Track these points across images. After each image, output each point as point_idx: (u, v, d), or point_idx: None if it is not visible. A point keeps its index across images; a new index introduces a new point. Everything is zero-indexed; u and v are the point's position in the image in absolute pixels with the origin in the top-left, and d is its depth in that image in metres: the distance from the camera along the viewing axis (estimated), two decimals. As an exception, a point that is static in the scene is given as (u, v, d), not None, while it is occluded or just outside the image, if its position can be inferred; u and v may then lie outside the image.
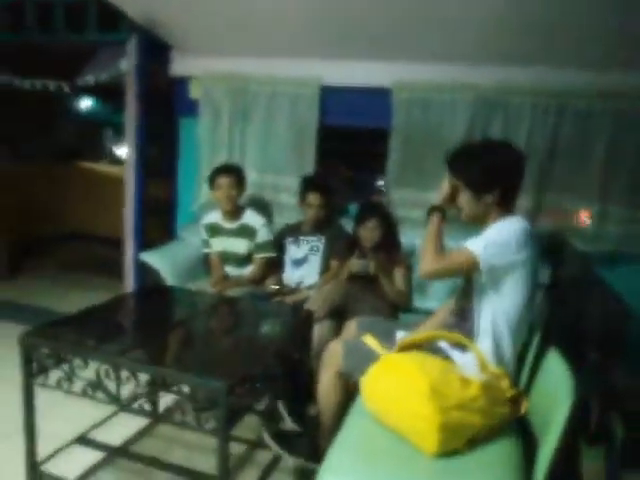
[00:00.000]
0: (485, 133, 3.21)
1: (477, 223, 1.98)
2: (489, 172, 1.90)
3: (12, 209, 5.12)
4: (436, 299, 3.08)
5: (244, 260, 3.32)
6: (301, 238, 3.36)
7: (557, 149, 3.18)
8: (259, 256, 3.28)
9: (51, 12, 4.12)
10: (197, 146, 3.82)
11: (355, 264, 2.99)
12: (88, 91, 6.01)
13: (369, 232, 3.05)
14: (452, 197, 2.04)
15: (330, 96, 3.51)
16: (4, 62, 4.47)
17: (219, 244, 3.35)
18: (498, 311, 1.89)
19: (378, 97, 3.38)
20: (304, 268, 3.31)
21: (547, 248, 3.01)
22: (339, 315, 2.78)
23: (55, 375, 1.96)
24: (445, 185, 2.06)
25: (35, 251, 5.68)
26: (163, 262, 3.18)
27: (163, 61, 3.81)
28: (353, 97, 3.47)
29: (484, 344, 1.89)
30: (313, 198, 3.25)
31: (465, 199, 1.97)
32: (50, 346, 1.96)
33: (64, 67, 4.29)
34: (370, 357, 1.85)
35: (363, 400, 1.82)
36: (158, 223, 4.14)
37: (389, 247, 3.06)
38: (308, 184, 3.30)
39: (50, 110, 6.48)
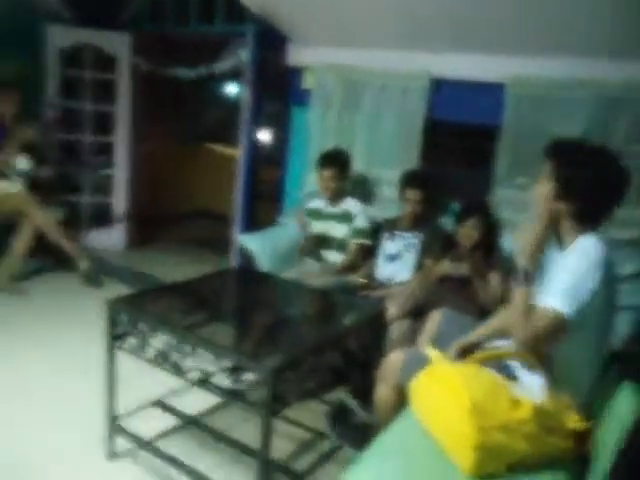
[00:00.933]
0: (605, 136, 2.92)
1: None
2: (582, 178, 1.69)
3: (149, 187, 5.61)
4: None
5: (342, 245, 3.36)
6: (397, 233, 3.31)
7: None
8: (355, 241, 3.30)
9: (186, 5, 4.43)
10: (307, 135, 3.89)
11: (448, 266, 2.91)
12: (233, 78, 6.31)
13: (468, 231, 2.94)
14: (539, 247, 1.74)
15: (440, 90, 3.40)
16: (144, 51, 4.85)
17: (319, 227, 3.42)
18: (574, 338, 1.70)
19: (490, 92, 3.20)
20: (397, 264, 3.26)
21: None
22: (421, 316, 2.71)
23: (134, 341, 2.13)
24: (531, 232, 1.75)
25: (163, 225, 6.15)
26: (259, 246, 3.30)
27: (280, 52, 3.92)
28: (464, 92, 3.32)
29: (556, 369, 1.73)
30: (412, 194, 3.19)
31: (538, 193, 1.77)
32: (128, 314, 2.12)
33: (197, 56, 4.56)
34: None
35: (412, 406, 1.76)
36: (270, 207, 4.30)
37: (488, 249, 2.93)
38: (408, 179, 3.24)
39: (197, 96, 6.96)
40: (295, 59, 3.92)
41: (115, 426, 2.27)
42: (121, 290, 4.04)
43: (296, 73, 3.93)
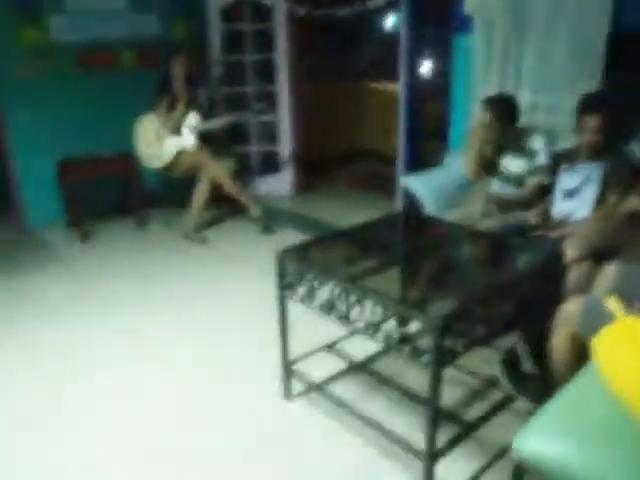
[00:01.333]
0: None
1: None
2: None
3: (313, 130, 5.69)
4: None
5: (516, 181, 3.13)
6: (576, 166, 2.98)
7: None
8: (533, 179, 3.04)
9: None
10: (471, 64, 3.63)
11: (635, 202, 2.58)
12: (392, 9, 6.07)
13: None
14: None
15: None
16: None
17: (512, 164, 3.18)
18: None
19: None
20: (576, 200, 2.95)
21: None
22: (605, 259, 2.44)
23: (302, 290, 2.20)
24: None
25: (328, 168, 6.26)
26: (422, 188, 3.20)
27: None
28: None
29: None
30: (589, 120, 2.83)
31: None
32: (295, 265, 2.18)
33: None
34: (613, 321, 1.60)
35: (596, 366, 1.60)
36: (436, 145, 4.15)
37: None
38: (585, 104, 2.88)
39: (357, 33, 6.85)
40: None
41: (289, 370, 2.41)
42: (292, 236, 4.26)
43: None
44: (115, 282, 3.68)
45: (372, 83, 6.78)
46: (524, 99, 3.30)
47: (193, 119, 4.42)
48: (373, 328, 1.91)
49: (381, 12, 6.65)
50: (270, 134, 5.32)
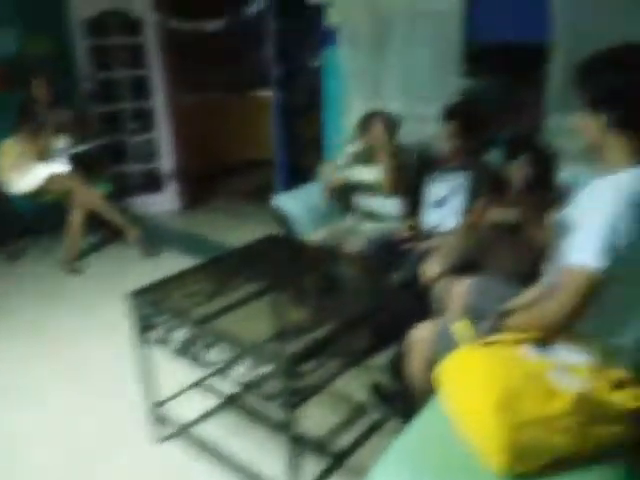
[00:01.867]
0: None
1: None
2: (607, 85, 1.42)
3: (195, 143, 5.52)
4: None
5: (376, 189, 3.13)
6: (444, 175, 3.03)
7: None
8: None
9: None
10: (340, 76, 3.62)
11: (497, 213, 2.64)
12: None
13: (518, 171, 2.65)
14: None
15: (477, 7, 3.00)
16: (168, 9, 4.66)
17: (359, 173, 3.17)
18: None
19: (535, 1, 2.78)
20: (443, 210, 3.00)
21: None
22: (472, 270, 2.48)
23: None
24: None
25: (215, 181, 6.10)
26: (293, 207, 3.14)
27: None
28: (504, 5, 2.91)
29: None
30: (448, 127, 2.90)
31: (583, 120, 1.50)
32: (148, 308, 2.06)
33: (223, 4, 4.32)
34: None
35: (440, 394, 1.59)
36: (316, 157, 4.09)
37: (543, 187, 2.62)
38: (444, 112, 2.94)
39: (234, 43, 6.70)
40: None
41: (156, 413, 2.27)
42: (176, 256, 4.10)
43: (321, 11, 3.62)
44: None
45: (261, 92, 6.69)
46: (393, 110, 3.32)
47: (61, 143, 4.15)
48: (225, 371, 1.82)
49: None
50: (150, 151, 5.10)
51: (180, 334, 1.95)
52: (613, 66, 1.42)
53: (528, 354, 1.50)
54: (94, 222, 4.23)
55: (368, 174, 3.10)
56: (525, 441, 1.30)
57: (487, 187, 2.82)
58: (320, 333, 1.84)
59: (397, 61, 3.32)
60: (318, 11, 3.61)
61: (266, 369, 1.70)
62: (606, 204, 1.36)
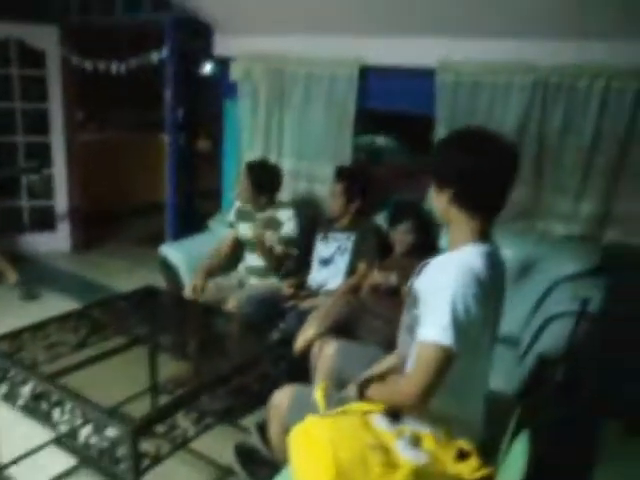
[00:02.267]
0: (543, 122, 2.70)
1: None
2: (452, 164, 1.51)
3: (93, 182, 5.35)
4: (513, 323, 2.50)
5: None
6: (330, 235, 3.09)
7: (635, 141, 2.59)
8: (279, 249, 3.03)
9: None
10: (239, 129, 3.66)
11: (377, 276, 2.72)
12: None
13: (401, 236, 2.78)
14: None
15: (371, 77, 3.15)
16: (74, 44, 4.58)
17: (244, 230, 3.16)
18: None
19: (423, 79, 2.96)
20: (330, 269, 3.04)
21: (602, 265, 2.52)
22: (348, 333, 2.50)
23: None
24: None
25: (119, 223, 5.92)
26: (179, 257, 3.08)
27: (206, 41, 3.66)
28: (396, 78, 3.08)
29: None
30: (335, 187, 2.98)
31: (432, 194, 1.63)
32: (-5, 360, 1.92)
33: (129, 46, 4.29)
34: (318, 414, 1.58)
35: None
36: (215, 207, 4.07)
37: (424, 252, 2.70)
38: (335, 173, 3.03)
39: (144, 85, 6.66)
40: (222, 50, 3.65)
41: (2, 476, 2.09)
42: (60, 300, 3.89)
43: (225, 65, 3.67)
44: None
45: (159, 135, 6.64)
46: (286, 166, 3.38)
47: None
48: (74, 433, 1.71)
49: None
50: (45, 188, 4.88)
51: (27, 390, 1.83)
52: (458, 148, 1.52)
53: (378, 423, 1.52)
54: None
55: (248, 230, 3.10)
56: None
57: (373, 249, 2.90)
58: (177, 392, 1.77)
59: (293, 120, 3.40)
60: (223, 63, 3.67)
61: (113, 432, 1.62)
62: (450, 281, 1.42)
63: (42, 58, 4.59)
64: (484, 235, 1.53)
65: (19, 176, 4.45)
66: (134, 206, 6.19)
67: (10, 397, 1.90)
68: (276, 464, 1.98)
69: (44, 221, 4.95)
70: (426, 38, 2.92)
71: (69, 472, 2.27)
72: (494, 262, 1.52)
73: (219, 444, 2.33)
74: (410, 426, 1.53)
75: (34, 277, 4.26)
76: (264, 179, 3.06)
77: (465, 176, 1.49)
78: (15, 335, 2.08)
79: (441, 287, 1.44)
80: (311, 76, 3.27)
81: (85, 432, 1.69)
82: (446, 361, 1.40)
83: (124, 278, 4.34)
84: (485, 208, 1.53)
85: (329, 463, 1.34)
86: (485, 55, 2.79)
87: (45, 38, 4.53)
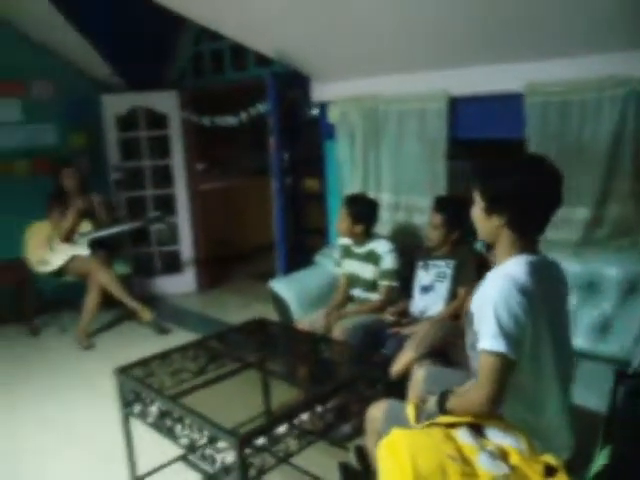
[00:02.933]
0: (638, 135, 2.64)
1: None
2: (504, 190, 1.60)
3: (216, 227, 5.86)
4: (618, 342, 2.56)
5: (371, 285, 3.27)
6: (430, 263, 3.17)
7: None
8: (382, 284, 3.20)
9: (221, 57, 4.63)
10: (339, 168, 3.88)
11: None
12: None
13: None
14: None
15: (459, 108, 3.25)
16: (191, 105, 5.12)
17: (349, 266, 3.35)
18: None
19: (511, 103, 3.01)
20: (430, 296, 3.12)
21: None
22: (445, 357, 2.57)
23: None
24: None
25: (236, 263, 6.36)
26: (288, 291, 3.31)
27: (305, 90, 3.96)
28: (484, 106, 3.15)
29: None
30: (434, 218, 3.06)
31: (475, 215, 1.71)
32: (130, 383, 2.22)
33: (238, 102, 4.71)
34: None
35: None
36: (319, 241, 4.30)
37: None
38: (434, 203, 3.12)
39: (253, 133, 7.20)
40: (320, 96, 3.93)
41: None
42: (186, 336, 4.26)
43: (323, 109, 3.94)
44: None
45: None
46: (385, 200, 3.53)
47: (85, 227, 4.48)
48: (191, 446, 1.94)
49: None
50: (171, 235, 5.41)
51: (155, 409, 2.09)
52: (512, 174, 1.60)
53: (461, 436, 1.60)
54: (113, 300, 4.47)
55: (358, 269, 3.29)
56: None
57: (473, 274, 2.94)
58: (282, 409, 1.95)
59: (389, 155, 3.55)
60: (322, 107, 3.94)
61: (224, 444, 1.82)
62: (494, 292, 1.53)
63: (165, 120, 5.16)
64: (529, 247, 1.62)
65: (148, 226, 4.96)
66: (249, 247, 6.64)
67: (142, 415, 2.18)
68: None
69: (171, 265, 5.47)
70: (510, 64, 2.97)
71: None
72: (541, 271, 1.60)
73: (324, 463, 2.49)
74: (493, 439, 1.59)
75: (165, 315, 4.72)
76: (360, 210, 3.23)
77: (521, 202, 1.57)
78: (145, 362, 2.38)
79: (486, 300, 1.55)
80: (403, 112, 3.42)
81: (201, 444, 1.91)
82: (504, 368, 1.49)
83: (242, 313, 4.64)
84: (535, 230, 1.63)
85: (408, 472, 1.44)
86: (572, 73, 2.79)
87: (167, 103, 5.11)
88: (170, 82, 5.21)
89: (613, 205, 2.77)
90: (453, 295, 3.04)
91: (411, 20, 2.93)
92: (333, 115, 3.80)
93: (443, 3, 2.72)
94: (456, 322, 2.78)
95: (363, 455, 2.38)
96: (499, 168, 1.66)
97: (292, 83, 3.96)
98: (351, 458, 2.45)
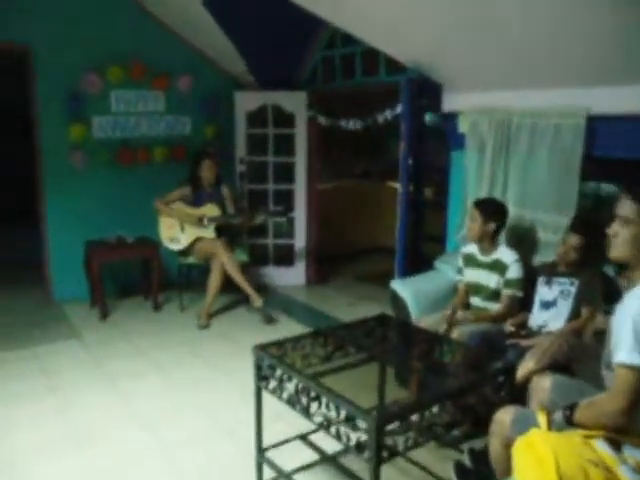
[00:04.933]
0: None
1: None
2: None
3: (329, 225, 6.09)
4: None
5: (493, 295, 3.31)
6: (554, 279, 3.17)
7: None
8: (506, 293, 3.23)
9: (352, 61, 4.81)
10: (465, 178, 3.93)
11: (602, 320, 2.75)
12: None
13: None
14: None
15: (597, 125, 3.21)
16: (318, 106, 5.34)
17: (471, 275, 3.41)
18: None
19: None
20: (551, 312, 3.12)
21: None
22: (567, 373, 2.58)
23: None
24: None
25: (345, 261, 6.57)
26: (407, 292, 3.41)
27: (437, 99, 4.05)
28: (622, 125, 3.10)
29: None
30: (571, 238, 3.05)
31: (626, 235, 1.72)
32: (268, 360, 2.41)
33: (364, 106, 4.87)
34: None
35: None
36: (439, 250, 4.38)
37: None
38: (572, 223, 3.12)
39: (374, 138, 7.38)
40: (450, 105, 4.00)
41: (262, 457, 2.57)
42: (293, 326, 4.50)
43: (453, 119, 4.01)
44: (125, 361, 3.97)
45: (391, 183, 7.19)
46: (511, 212, 3.55)
47: (213, 211, 4.81)
48: (328, 423, 2.09)
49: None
50: (288, 229, 5.67)
51: (291, 386, 2.27)
52: None
53: (600, 447, 1.64)
54: (230, 285, 4.77)
55: (483, 278, 3.36)
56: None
57: (599, 294, 2.92)
58: (411, 403, 2.06)
59: (518, 168, 3.56)
60: (452, 117, 4.01)
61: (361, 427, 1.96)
62: (631, 310, 1.59)
63: (292, 119, 5.42)
64: None
65: (270, 218, 5.25)
66: (358, 248, 6.82)
67: (277, 390, 2.37)
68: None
69: (284, 258, 5.73)
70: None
71: (310, 465, 2.69)
72: None
73: (432, 462, 2.59)
74: (633, 455, 1.62)
75: (274, 304, 4.98)
76: (493, 209, 3.31)
77: None
78: (280, 343, 2.57)
79: (626, 317, 1.61)
80: (536, 126, 3.42)
81: (336, 424, 2.06)
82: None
83: (348, 310, 4.86)
84: None
85: (552, 472, 1.50)
86: None
87: (295, 102, 5.37)
88: (300, 83, 5.47)
89: None
90: (575, 314, 3.03)
91: (556, 37, 2.94)
92: (463, 125, 3.86)
93: (591, 23, 2.72)
94: (581, 340, 2.77)
95: (477, 457, 2.47)
96: None
97: (423, 91, 4.05)
98: (464, 459, 2.54)
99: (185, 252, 4.83)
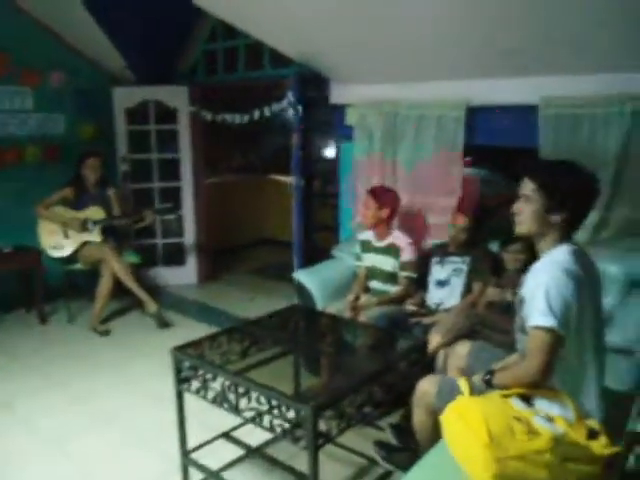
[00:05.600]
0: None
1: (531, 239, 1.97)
2: (571, 192, 1.83)
3: (217, 221, 6.03)
4: (622, 333, 2.68)
5: (390, 277, 3.49)
6: (446, 259, 3.41)
7: None
8: (402, 275, 3.42)
9: (235, 55, 4.78)
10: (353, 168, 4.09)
11: (492, 292, 3.01)
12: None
13: (513, 256, 3.03)
14: None
15: (477, 116, 3.50)
16: (201, 101, 5.25)
17: (369, 260, 3.56)
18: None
19: (526, 115, 3.27)
20: (446, 290, 3.36)
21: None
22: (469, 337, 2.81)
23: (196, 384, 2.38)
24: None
25: (233, 257, 6.54)
26: (312, 282, 3.50)
27: (324, 91, 4.15)
28: (499, 117, 3.41)
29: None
30: (459, 220, 3.30)
31: (528, 211, 1.90)
32: (189, 361, 2.38)
33: (249, 100, 4.87)
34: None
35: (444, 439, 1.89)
36: (332, 239, 4.50)
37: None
38: (458, 208, 3.36)
39: (257, 132, 7.39)
40: (338, 97, 4.13)
41: (187, 459, 2.53)
42: (191, 326, 4.44)
43: (340, 111, 4.14)
44: (14, 379, 3.67)
45: (273, 176, 7.28)
46: (403, 199, 3.75)
47: (99, 215, 4.57)
48: (259, 417, 2.12)
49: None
50: (176, 227, 5.53)
51: (216, 385, 2.27)
52: (571, 174, 1.86)
53: (516, 404, 1.83)
54: (121, 289, 4.57)
55: (379, 262, 3.51)
56: (510, 472, 1.61)
57: (487, 270, 3.20)
58: (338, 389, 2.15)
59: (405, 158, 3.78)
60: (339, 109, 4.14)
61: (292, 417, 2.01)
62: (544, 276, 1.79)
63: (174, 114, 5.28)
64: (571, 239, 1.89)
65: (158, 217, 5.08)
66: (243, 242, 6.85)
67: (200, 391, 2.35)
68: (414, 452, 2.32)
69: (175, 256, 5.58)
70: (527, 77, 3.24)
71: (237, 460, 2.70)
72: (582, 258, 1.85)
73: (361, 442, 2.71)
74: (544, 407, 1.83)
75: (168, 305, 4.86)
76: (385, 196, 3.47)
77: (583, 201, 1.83)
78: (197, 343, 2.55)
79: (537, 284, 1.80)
80: (422, 118, 3.65)
81: (268, 416, 2.09)
82: (553, 341, 1.74)
83: (248, 306, 4.86)
84: (580, 226, 1.90)
85: (483, 434, 1.65)
86: (584, 88, 3.07)
87: (176, 98, 5.23)
88: (181, 77, 5.33)
89: (618, 209, 3.07)
90: (467, 289, 3.29)
91: (436, 33, 3.15)
92: (352, 117, 4.01)
93: (467, 20, 2.96)
94: (477, 312, 3.02)
95: (400, 431, 2.62)
96: (557, 168, 1.90)
97: (310, 84, 4.15)
98: (387, 435, 2.68)
99: (71, 259, 4.54)
